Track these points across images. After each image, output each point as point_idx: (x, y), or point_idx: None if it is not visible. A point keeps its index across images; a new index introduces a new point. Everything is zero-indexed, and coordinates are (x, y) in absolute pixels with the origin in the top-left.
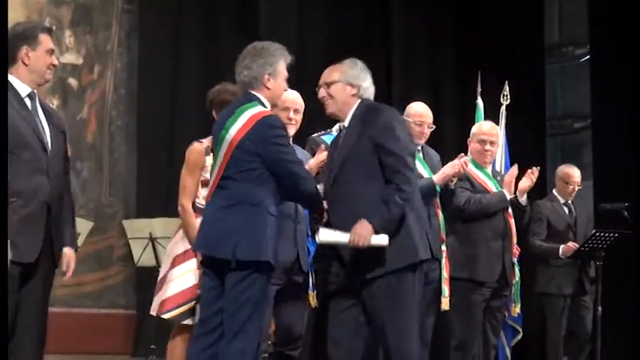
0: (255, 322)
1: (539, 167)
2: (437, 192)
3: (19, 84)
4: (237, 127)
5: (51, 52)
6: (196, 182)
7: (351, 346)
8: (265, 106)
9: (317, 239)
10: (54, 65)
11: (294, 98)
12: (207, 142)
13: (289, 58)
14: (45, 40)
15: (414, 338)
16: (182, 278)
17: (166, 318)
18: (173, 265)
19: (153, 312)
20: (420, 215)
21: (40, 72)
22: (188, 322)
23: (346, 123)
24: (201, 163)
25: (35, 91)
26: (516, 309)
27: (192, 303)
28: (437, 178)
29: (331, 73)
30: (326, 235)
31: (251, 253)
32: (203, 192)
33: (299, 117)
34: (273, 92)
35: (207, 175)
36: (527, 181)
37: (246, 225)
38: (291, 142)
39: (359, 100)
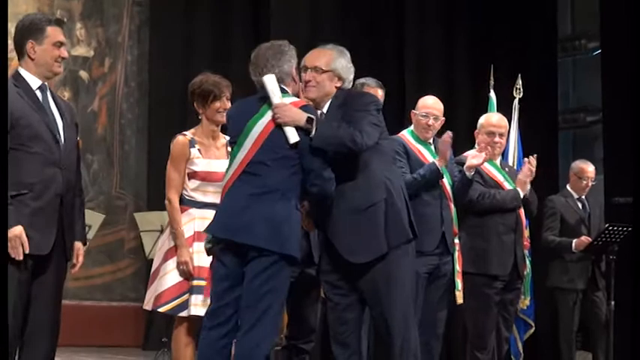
0: (273, 314)
1: (536, 155)
2: (441, 174)
3: (30, 77)
4: None
5: (59, 44)
6: (182, 175)
7: (356, 344)
8: None
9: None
10: (63, 58)
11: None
12: (190, 134)
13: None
14: (53, 33)
15: (412, 321)
16: (175, 271)
17: (162, 312)
18: (165, 259)
19: (146, 306)
20: (403, 198)
21: (47, 65)
22: (183, 314)
23: (325, 109)
24: (186, 155)
25: (46, 83)
26: (525, 301)
27: (186, 295)
28: (438, 160)
29: (322, 59)
30: (270, 82)
31: (275, 244)
32: (190, 184)
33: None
34: (297, 87)
35: (193, 168)
36: (526, 171)
37: (276, 215)
38: None
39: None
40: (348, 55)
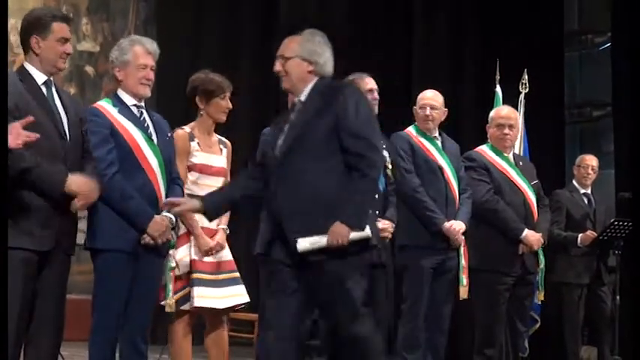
0: (97, 306)
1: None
2: None
3: (35, 72)
4: None
5: (64, 40)
6: (184, 167)
7: (294, 332)
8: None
9: (297, 249)
10: (67, 54)
11: None
12: (189, 128)
13: (149, 48)
14: (58, 29)
15: (362, 322)
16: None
17: (163, 304)
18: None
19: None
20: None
21: (51, 61)
22: (185, 307)
23: (303, 97)
24: (187, 148)
25: (51, 79)
26: (540, 296)
27: (187, 289)
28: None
29: (287, 47)
30: (304, 244)
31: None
32: (190, 177)
33: None
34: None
35: (192, 160)
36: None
37: None
38: None
39: (316, 78)
40: (320, 38)
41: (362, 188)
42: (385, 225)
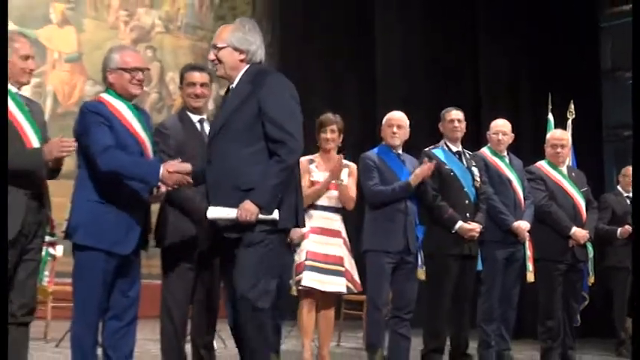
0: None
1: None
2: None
3: (190, 113)
4: None
5: (192, 85)
6: (306, 182)
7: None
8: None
9: (207, 216)
10: (197, 95)
11: (400, 117)
12: (311, 157)
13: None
14: (188, 77)
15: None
16: (296, 255)
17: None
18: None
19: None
20: (295, 186)
21: (188, 102)
22: (301, 287)
23: (234, 84)
24: (306, 170)
25: (204, 116)
26: (591, 279)
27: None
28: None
29: (219, 36)
30: (214, 212)
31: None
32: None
33: (402, 132)
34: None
35: (311, 178)
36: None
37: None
38: (400, 151)
39: (247, 65)
40: (250, 25)
41: (276, 172)
42: (474, 226)
